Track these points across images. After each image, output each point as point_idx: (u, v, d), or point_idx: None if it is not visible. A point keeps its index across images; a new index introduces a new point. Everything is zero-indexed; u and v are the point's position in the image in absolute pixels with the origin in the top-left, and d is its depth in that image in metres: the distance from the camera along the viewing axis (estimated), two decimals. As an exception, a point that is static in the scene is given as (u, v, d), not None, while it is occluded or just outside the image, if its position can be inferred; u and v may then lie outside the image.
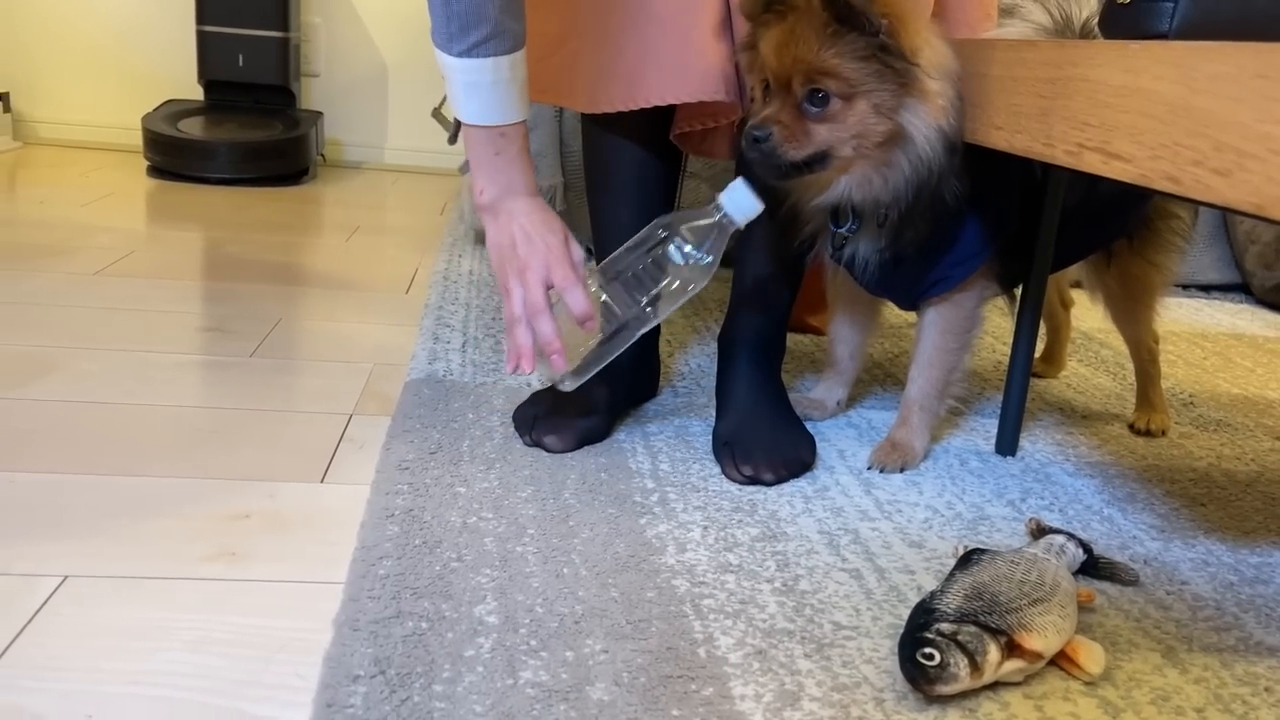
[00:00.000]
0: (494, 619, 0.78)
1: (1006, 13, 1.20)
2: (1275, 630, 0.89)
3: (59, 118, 3.15)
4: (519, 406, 1.19)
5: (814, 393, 1.34)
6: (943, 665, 0.71)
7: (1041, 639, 0.76)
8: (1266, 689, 0.80)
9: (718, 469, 1.12)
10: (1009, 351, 1.26)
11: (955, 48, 1.00)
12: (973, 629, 0.74)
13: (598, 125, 1.20)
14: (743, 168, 1.09)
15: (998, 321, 1.81)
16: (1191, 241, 1.36)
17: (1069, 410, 1.45)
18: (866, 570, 0.92)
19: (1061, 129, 0.80)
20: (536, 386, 1.27)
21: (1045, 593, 0.80)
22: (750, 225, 1.02)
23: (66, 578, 0.80)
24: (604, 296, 1.03)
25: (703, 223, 1.01)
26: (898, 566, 0.94)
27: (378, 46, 3.24)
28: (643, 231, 1.03)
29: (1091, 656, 0.78)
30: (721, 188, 1.01)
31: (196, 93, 3.00)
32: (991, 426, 1.31)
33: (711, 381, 1.36)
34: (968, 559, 0.86)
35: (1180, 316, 2.14)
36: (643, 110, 1.07)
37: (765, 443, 1.12)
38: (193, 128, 2.82)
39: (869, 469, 1.16)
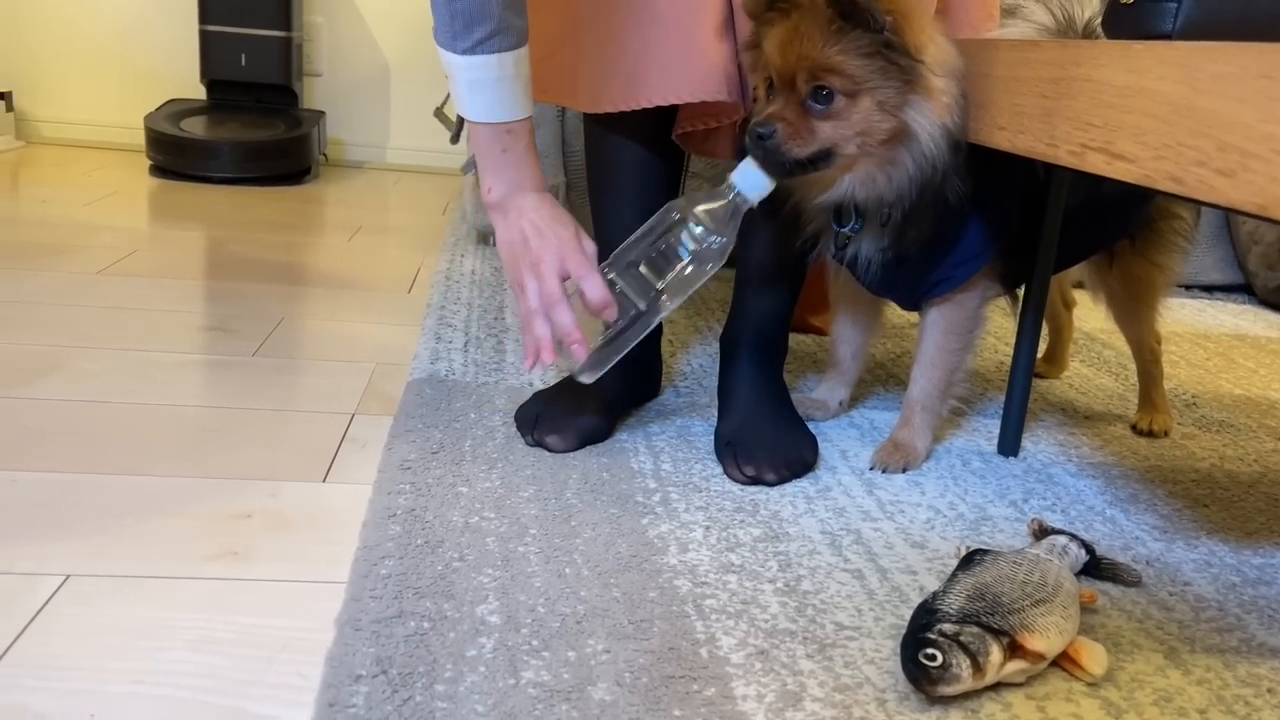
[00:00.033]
0: (496, 619, 0.78)
1: (1009, 13, 1.20)
2: (1278, 631, 0.89)
3: (62, 117, 3.15)
4: (521, 406, 1.19)
5: (816, 393, 1.34)
6: (945, 666, 0.71)
7: (1044, 640, 0.76)
8: (1269, 690, 0.80)
9: (720, 469, 1.12)
10: (1011, 352, 1.26)
11: (959, 47, 1.00)
12: (975, 630, 0.74)
13: (600, 125, 1.20)
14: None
15: (1000, 322, 1.80)
16: (1194, 242, 1.36)
17: (1071, 411, 1.45)
18: (869, 571, 0.92)
19: (1065, 129, 0.80)
20: (539, 386, 1.27)
21: (1048, 594, 0.80)
22: (752, 225, 1.01)
23: (69, 577, 0.80)
24: (619, 285, 1.02)
25: (716, 204, 1.00)
26: (900, 567, 0.94)
27: (380, 46, 3.24)
28: (653, 218, 1.02)
29: (1094, 657, 0.78)
30: None
31: (199, 92, 3.01)
32: (994, 427, 1.31)
33: (713, 381, 1.36)
34: (970, 559, 0.86)
35: (1183, 317, 2.14)
36: (645, 110, 1.07)
37: (767, 443, 1.12)
38: (195, 127, 2.82)
39: (871, 469, 1.16)
